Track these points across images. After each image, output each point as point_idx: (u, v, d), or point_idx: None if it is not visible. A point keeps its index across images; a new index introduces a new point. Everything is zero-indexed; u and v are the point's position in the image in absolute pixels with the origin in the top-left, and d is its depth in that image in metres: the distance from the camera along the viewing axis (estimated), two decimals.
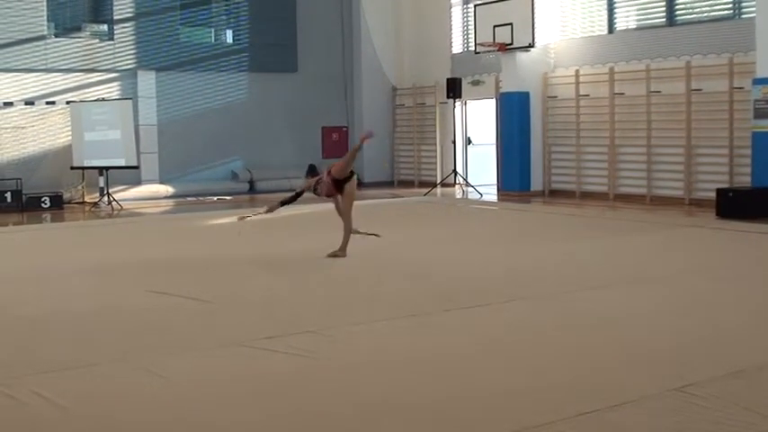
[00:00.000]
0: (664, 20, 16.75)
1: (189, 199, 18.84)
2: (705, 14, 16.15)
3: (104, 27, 19.47)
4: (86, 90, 19.01)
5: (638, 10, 17.37)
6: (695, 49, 15.77)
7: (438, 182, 20.66)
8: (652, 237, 11.98)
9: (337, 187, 10.34)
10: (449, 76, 20.19)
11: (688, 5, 16.46)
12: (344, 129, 21.76)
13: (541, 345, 6.22)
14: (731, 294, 7.90)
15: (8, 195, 16.83)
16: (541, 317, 7.09)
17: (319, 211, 15.64)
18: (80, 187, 18.20)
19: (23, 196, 16.90)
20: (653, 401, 4.81)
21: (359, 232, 10.62)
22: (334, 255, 10.33)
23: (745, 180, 14.61)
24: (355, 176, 10.51)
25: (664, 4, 16.68)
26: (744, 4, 15.32)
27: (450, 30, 21.48)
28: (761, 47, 13.96)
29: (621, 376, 5.37)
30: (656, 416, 4.60)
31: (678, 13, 16.57)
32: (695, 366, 5.49)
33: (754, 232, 12.01)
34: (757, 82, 14.02)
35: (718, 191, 14.12)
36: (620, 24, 17.68)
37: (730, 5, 15.67)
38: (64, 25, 19.10)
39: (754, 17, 14.29)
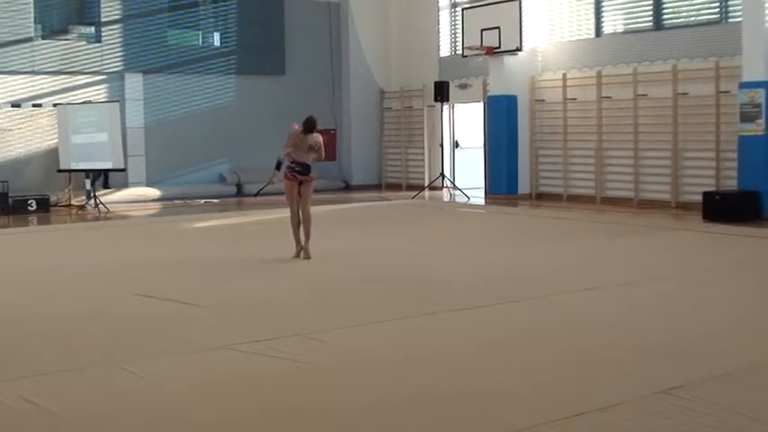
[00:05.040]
0: (651, 24, 16.82)
1: (176, 202, 18.77)
2: (692, 19, 16.23)
3: (91, 29, 19.39)
4: (73, 92, 18.91)
5: (625, 14, 17.44)
6: (682, 52, 15.84)
7: (426, 185, 20.68)
8: (639, 240, 12.02)
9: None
10: (436, 80, 20.20)
11: (675, 10, 16.53)
12: (332, 131, 21.74)
13: (529, 347, 6.23)
14: (718, 297, 7.93)
15: None
16: (529, 319, 7.10)
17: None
18: (67, 190, 18.13)
19: (9, 199, 16.82)
20: (641, 404, 4.82)
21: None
22: (305, 250, 10.48)
23: (731, 183, 14.68)
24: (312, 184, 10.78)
25: (651, 8, 16.75)
26: (730, 9, 15.39)
27: (438, 33, 21.51)
28: (747, 51, 14.04)
29: (609, 378, 5.39)
30: (644, 418, 4.61)
31: (665, 17, 16.64)
32: (683, 369, 5.51)
33: (741, 236, 12.07)
34: (743, 86, 14.10)
35: (705, 194, 14.19)
36: (608, 28, 17.74)
37: (717, 10, 15.74)
38: (51, 27, 19.01)
39: (741, 21, 14.37)
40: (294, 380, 5.48)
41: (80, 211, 17.14)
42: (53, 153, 18.21)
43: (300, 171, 10.58)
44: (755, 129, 13.93)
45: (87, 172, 17.68)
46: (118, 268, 10.09)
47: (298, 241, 10.62)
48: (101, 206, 17.13)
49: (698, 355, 5.89)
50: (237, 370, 5.69)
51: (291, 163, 10.61)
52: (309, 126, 10.56)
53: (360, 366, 5.79)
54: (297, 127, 10.67)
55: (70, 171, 17.97)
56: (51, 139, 18.43)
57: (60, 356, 6.10)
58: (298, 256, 10.54)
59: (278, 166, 10.77)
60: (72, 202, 17.92)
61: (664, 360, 5.78)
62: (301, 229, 10.65)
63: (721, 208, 13.74)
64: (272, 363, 5.80)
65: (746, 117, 14.02)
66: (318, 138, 10.63)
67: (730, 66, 14.80)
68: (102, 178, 18.96)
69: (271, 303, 7.94)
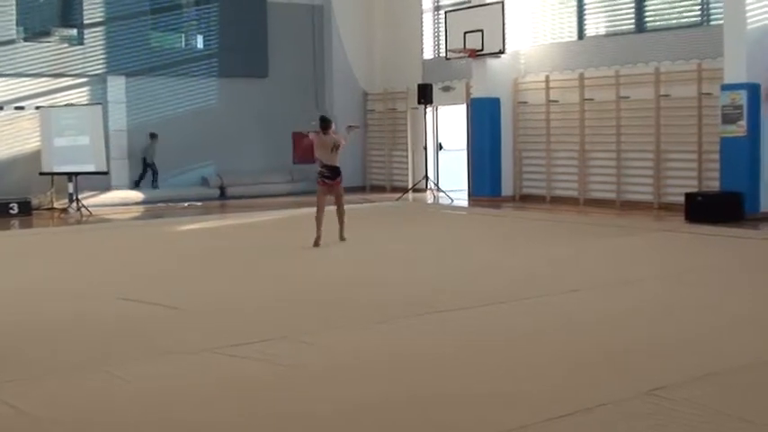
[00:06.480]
0: (633, 26, 16.89)
1: (159, 205, 18.69)
2: (674, 21, 16.31)
3: (74, 31, 19.29)
4: (56, 95, 18.82)
5: (607, 16, 17.50)
6: (664, 55, 15.91)
7: (410, 187, 20.69)
8: (622, 241, 12.07)
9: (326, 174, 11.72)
10: (420, 82, 20.23)
11: (657, 12, 16.60)
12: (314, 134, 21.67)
13: (514, 348, 6.25)
14: (701, 298, 7.97)
15: None
16: (514, 321, 7.12)
17: (294, 216, 15.68)
18: (49, 193, 18.02)
19: None
20: (625, 404, 4.84)
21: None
22: (341, 236, 11.79)
23: (713, 185, 14.75)
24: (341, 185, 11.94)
25: (633, 10, 16.82)
26: (712, 12, 15.47)
27: (422, 36, 21.53)
28: (729, 53, 14.12)
29: (594, 379, 5.41)
30: (628, 419, 4.63)
31: (647, 19, 16.71)
32: (667, 370, 5.53)
33: (723, 236, 12.14)
34: (725, 88, 14.17)
35: (687, 195, 14.26)
36: (590, 31, 17.80)
37: (699, 12, 15.82)
38: (33, 29, 18.90)
39: (722, 24, 14.45)
40: (280, 382, 5.47)
41: (62, 215, 17.05)
42: (35, 156, 18.08)
43: (329, 176, 11.69)
44: (737, 130, 14.01)
45: (69, 175, 17.56)
46: (101, 272, 10.05)
47: (318, 231, 11.53)
48: (83, 209, 17.04)
49: (682, 356, 5.92)
50: (223, 373, 5.67)
51: (321, 167, 11.80)
52: (325, 123, 11.79)
53: (347, 369, 5.78)
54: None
55: (52, 174, 17.86)
56: (33, 142, 18.32)
57: (44, 360, 6.07)
58: (317, 245, 11.42)
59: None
60: (54, 206, 17.82)
61: (648, 361, 5.81)
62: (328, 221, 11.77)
63: (704, 209, 13.81)
64: (257, 365, 5.79)
65: (728, 119, 14.10)
66: (338, 138, 11.87)
67: (712, 68, 14.88)
68: (152, 176, 19.49)
69: (255, 306, 7.92)
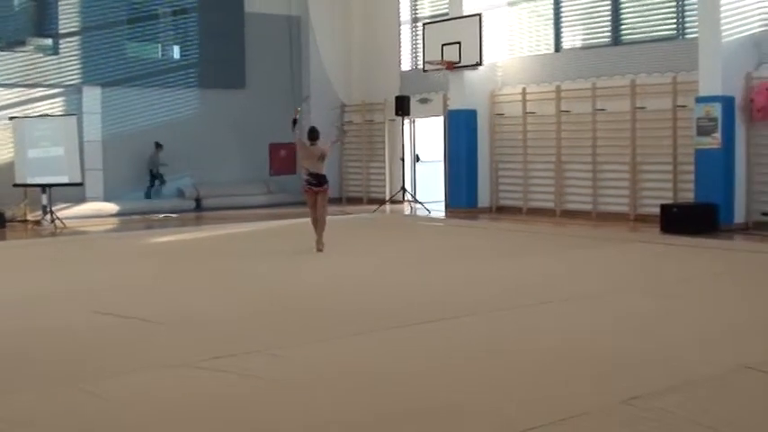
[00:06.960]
0: (609, 39, 17.00)
1: (134, 217, 18.56)
2: (649, 34, 16.42)
3: (49, 41, 19.16)
4: (30, 105, 18.66)
5: (584, 29, 17.60)
6: (640, 67, 16.02)
7: (387, 198, 20.68)
8: (598, 252, 12.11)
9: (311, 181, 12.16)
10: (397, 94, 20.24)
11: (633, 25, 16.72)
12: (293, 145, 21.64)
13: (488, 360, 6.24)
14: (676, 308, 7.99)
15: None
16: (491, 332, 7.12)
17: (270, 227, 15.62)
18: (23, 205, 17.84)
19: None
20: (600, 415, 4.84)
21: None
22: (318, 245, 12.01)
23: (688, 196, 14.85)
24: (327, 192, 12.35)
25: (609, 23, 16.94)
26: (687, 25, 15.61)
27: (400, 48, 21.57)
28: (703, 66, 14.23)
29: (568, 390, 5.39)
30: (603, 429, 4.63)
31: (623, 32, 16.83)
32: (641, 379, 5.53)
33: (698, 247, 12.21)
34: (700, 100, 14.28)
35: (663, 206, 14.35)
36: (567, 43, 17.90)
37: (674, 26, 15.95)
38: (7, 39, 18.75)
39: (697, 37, 14.58)
40: (255, 397, 5.42)
41: (36, 227, 16.88)
42: (9, 167, 17.89)
43: (315, 183, 12.13)
44: (711, 142, 14.12)
45: (43, 186, 17.39)
46: (75, 285, 9.95)
47: (317, 234, 12.20)
48: (57, 221, 16.88)
49: (657, 366, 5.91)
50: (197, 387, 5.61)
51: (308, 175, 12.17)
52: (313, 134, 12.14)
53: (323, 382, 5.74)
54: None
55: (26, 186, 17.68)
56: (7, 153, 18.14)
57: (15, 376, 5.98)
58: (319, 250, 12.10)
59: (294, 122, 12.84)
60: (28, 218, 17.63)
61: (623, 371, 5.80)
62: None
63: (679, 220, 13.91)
64: (233, 380, 5.73)
65: (703, 131, 14.20)
66: (325, 147, 12.24)
67: (687, 81, 14.99)
68: (159, 185, 19.89)
69: (231, 320, 7.86)
